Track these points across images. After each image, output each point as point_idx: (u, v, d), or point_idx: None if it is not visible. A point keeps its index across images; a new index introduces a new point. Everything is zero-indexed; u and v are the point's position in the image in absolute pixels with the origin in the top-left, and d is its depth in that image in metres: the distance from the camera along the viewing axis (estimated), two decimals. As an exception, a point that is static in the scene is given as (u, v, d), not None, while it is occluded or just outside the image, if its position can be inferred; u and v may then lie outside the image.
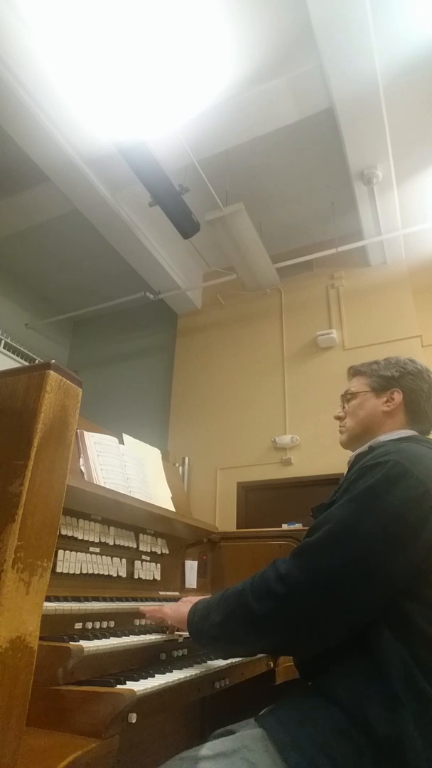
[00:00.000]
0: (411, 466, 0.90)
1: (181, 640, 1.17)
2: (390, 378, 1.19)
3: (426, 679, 0.81)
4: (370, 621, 0.85)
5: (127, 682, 0.86)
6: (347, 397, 1.26)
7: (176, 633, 1.16)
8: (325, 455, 3.81)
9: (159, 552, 1.62)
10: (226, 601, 0.94)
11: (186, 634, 1.04)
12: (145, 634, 1.10)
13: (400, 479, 0.88)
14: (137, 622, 1.21)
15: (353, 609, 0.84)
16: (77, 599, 1.11)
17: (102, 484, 1.35)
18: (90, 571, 1.30)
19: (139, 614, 1.19)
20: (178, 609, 1.08)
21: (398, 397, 1.17)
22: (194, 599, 1.09)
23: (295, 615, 0.85)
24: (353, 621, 0.85)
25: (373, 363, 1.26)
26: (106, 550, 1.39)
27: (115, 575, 1.39)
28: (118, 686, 0.83)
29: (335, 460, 3.45)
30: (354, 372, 1.30)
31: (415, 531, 0.85)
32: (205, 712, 1.53)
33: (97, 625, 1.11)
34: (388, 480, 0.89)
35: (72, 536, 1.27)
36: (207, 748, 0.83)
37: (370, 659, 0.84)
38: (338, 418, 1.27)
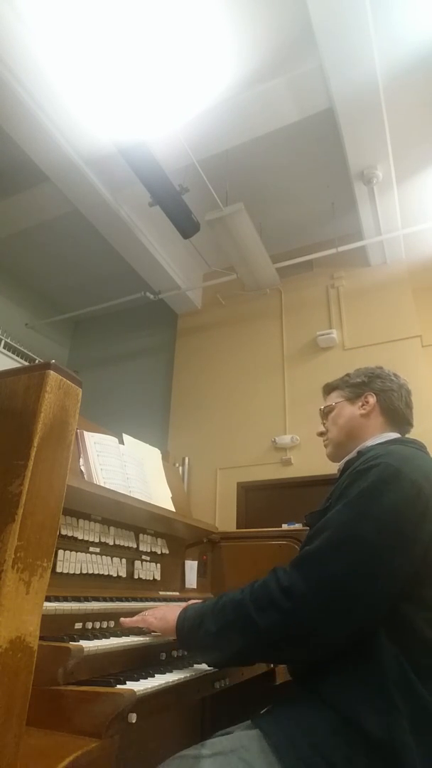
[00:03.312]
0: (402, 467, 0.92)
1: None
2: (360, 384, 1.26)
3: (422, 682, 0.80)
4: (373, 625, 0.85)
5: (127, 682, 0.86)
6: (325, 411, 1.32)
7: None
8: (325, 455, 3.80)
9: (159, 552, 1.62)
10: (223, 611, 0.92)
11: None
12: (145, 634, 1.10)
13: (392, 481, 0.90)
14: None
15: (359, 615, 0.83)
16: (77, 599, 1.11)
17: (102, 484, 1.35)
18: (90, 571, 1.30)
19: (140, 613, 1.18)
20: (164, 616, 1.05)
21: (372, 399, 1.23)
22: (177, 605, 1.08)
23: (302, 628, 0.84)
24: (359, 628, 0.84)
25: (344, 376, 1.33)
26: (106, 550, 1.38)
27: (115, 575, 1.39)
28: (118, 686, 0.83)
29: (335, 460, 3.43)
30: (328, 389, 1.36)
31: (412, 531, 0.86)
32: (205, 712, 1.53)
33: (97, 625, 1.11)
34: (381, 482, 0.90)
35: (72, 536, 1.27)
36: (206, 747, 0.83)
37: (365, 662, 0.83)
38: (320, 434, 1.33)
